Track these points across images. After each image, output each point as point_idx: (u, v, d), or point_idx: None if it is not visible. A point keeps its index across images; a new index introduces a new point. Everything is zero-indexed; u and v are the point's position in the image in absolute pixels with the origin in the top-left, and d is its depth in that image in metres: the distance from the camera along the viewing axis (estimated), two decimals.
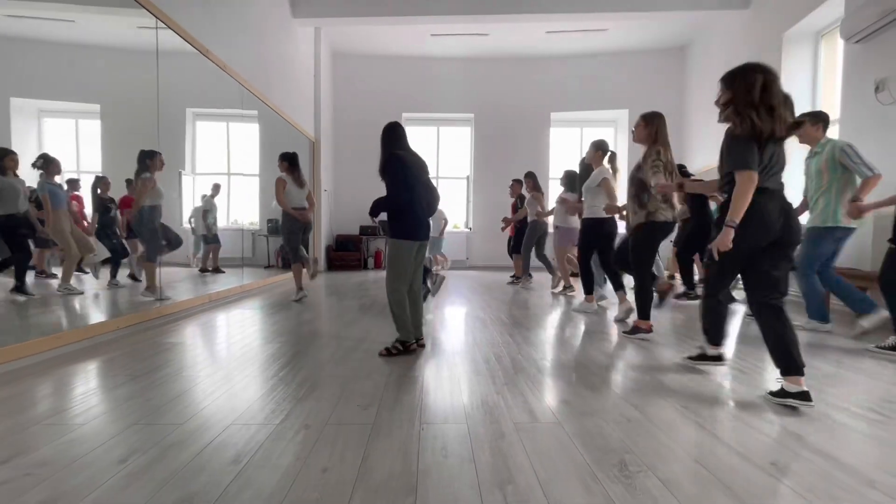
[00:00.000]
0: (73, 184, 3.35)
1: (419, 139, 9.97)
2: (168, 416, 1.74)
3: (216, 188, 5.28)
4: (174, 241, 4.08)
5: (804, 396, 1.85)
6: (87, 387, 2.07)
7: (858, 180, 3.10)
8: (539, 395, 2.00)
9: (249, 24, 5.73)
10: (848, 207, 3.08)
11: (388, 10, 7.02)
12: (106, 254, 3.72)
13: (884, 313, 3.01)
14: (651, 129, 2.97)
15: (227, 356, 2.61)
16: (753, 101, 1.90)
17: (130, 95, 3.82)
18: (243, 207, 5.94)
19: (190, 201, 4.84)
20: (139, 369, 2.33)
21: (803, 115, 3.46)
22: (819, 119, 3.31)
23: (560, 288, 5.56)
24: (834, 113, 5.20)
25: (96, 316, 3.36)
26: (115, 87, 3.66)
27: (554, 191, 6.10)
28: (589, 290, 4.22)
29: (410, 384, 2.14)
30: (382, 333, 3.22)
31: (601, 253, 4.11)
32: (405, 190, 2.64)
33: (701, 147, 8.12)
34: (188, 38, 4.18)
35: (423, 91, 9.54)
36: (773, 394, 1.94)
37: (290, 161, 4.61)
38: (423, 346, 2.83)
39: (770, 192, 1.94)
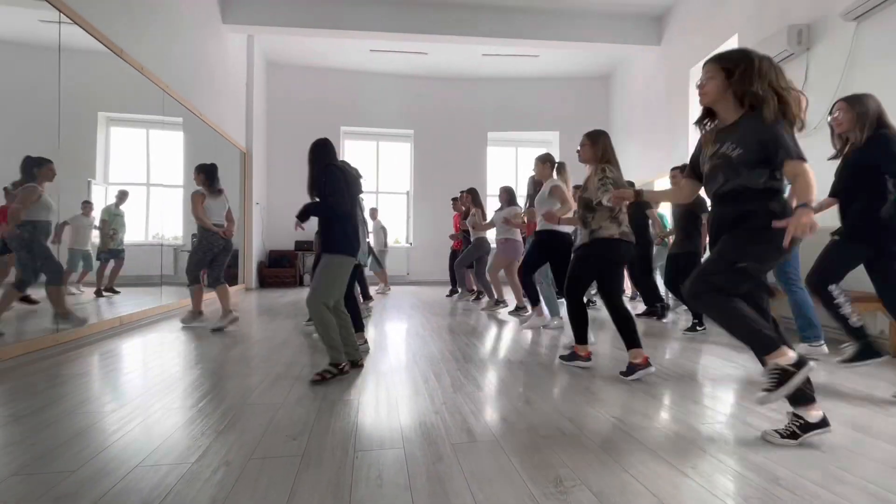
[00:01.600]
0: None
1: (358, 153, 9.84)
2: (58, 462, 1.51)
3: (122, 196, 4.63)
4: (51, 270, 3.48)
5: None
6: None
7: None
8: (478, 413, 1.99)
9: (173, 27, 5.38)
10: None
11: (325, 22, 6.92)
12: None
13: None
14: (597, 147, 2.81)
15: (139, 387, 2.35)
16: None
17: (28, 94, 3.40)
18: (165, 220, 5.46)
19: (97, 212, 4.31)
20: (25, 407, 2.02)
21: None
22: None
23: (488, 305, 5.50)
24: None
25: None
26: (8, 85, 3.24)
27: (492, 207, 6.21)
28: (535, 302, 4.15)
29: (345, 409, 2.04)
30: (316, 356, 3.06)
31: (554, 268, 3.86)
32: (345, 200, 2.57)
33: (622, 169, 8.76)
34: (99, 35, 3.83)
35: (362, 105, 9.46)
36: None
37: (207, 173, 4.19)
38: (361, 366, 2.73)
39: None
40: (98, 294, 4.46)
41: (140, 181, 5.15)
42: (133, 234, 4.83)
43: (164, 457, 1.55)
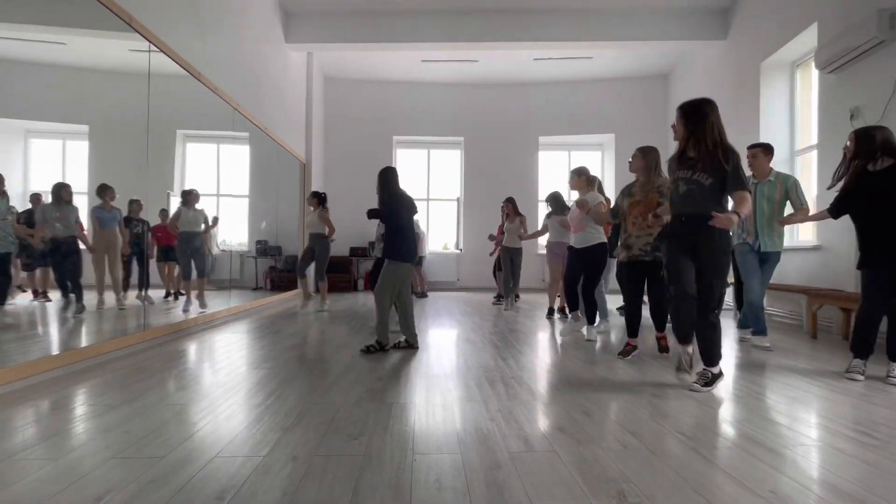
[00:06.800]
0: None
1: (409, 161, 10.06)
2: (148, 448, 1.66)
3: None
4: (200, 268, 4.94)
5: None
6: (62, 417, 1.98)
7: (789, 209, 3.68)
8: (533, 422, 1.96)
9: (243, 49, 5.80)
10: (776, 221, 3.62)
11: (380, 37, 7.16)
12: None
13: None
14: (648, 161, 3.26)
15: (212, 383, 2.53)
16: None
17: (120, 117, 3.80)
18: (233, 228, 5.87)
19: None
20: (119, 398, 2.24)
21: (757, 144, 3.81)
22: (771, 151, 3.75)
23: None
24: (811, 139, 5.39)
25: (75, 341, 3.25)
26: (104, 109, 3.64)
27: (543, 212, 6.14)
28: (574, 307, 4.49)
29: (402, 411, 2.09)
30: (372, 358, 3.15)
31: (585, 279, 3.92)
32: (401, 217, 3.46)
33: None
34: (181, 61, 4.21)
35: (414, 115, 9.66)
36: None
37: (318, 198, 5.80)
38: (415, 347, 3.42)
39: None
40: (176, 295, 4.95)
41: (210, 192, 5.57)
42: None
43: (239, 449, 1.66)
